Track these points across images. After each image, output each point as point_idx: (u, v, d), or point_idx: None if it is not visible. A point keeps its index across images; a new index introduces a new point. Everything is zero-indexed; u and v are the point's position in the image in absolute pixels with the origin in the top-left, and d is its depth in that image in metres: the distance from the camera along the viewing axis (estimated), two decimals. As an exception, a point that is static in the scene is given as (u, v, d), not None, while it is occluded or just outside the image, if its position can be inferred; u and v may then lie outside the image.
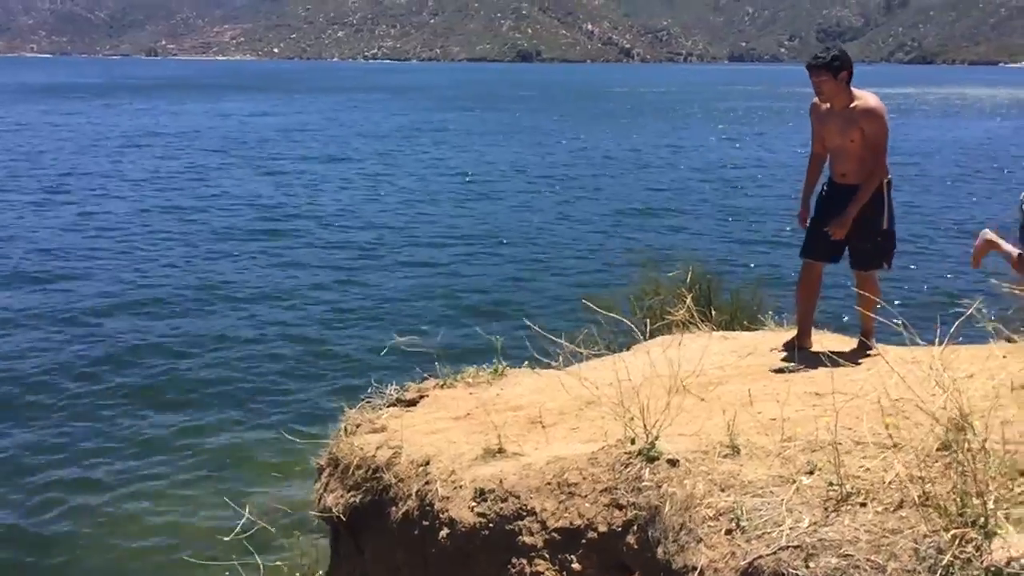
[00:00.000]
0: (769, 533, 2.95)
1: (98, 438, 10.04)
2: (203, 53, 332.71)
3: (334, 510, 4.75)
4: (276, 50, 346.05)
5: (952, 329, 3.41)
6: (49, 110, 61.17)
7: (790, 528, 2.93)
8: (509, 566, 3.82)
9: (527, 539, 3.79)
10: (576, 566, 3.62)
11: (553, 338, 5.95)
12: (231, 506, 5.49)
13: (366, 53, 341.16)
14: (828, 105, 5.33)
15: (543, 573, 3.70)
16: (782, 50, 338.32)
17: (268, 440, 9.53)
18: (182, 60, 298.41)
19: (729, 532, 3.04)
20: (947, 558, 2.59)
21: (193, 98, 79.90)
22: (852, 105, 5.22)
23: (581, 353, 6.02)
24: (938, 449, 3.10)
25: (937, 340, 3.48)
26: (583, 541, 3.63)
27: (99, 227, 21.22)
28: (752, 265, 17.64)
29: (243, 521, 4.80)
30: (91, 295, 15.42)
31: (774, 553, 2.86)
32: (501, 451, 4.41)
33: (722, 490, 3.27)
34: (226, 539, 4.59)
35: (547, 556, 3.72)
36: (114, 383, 11.46)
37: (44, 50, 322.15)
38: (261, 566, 4.81)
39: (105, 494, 8.94)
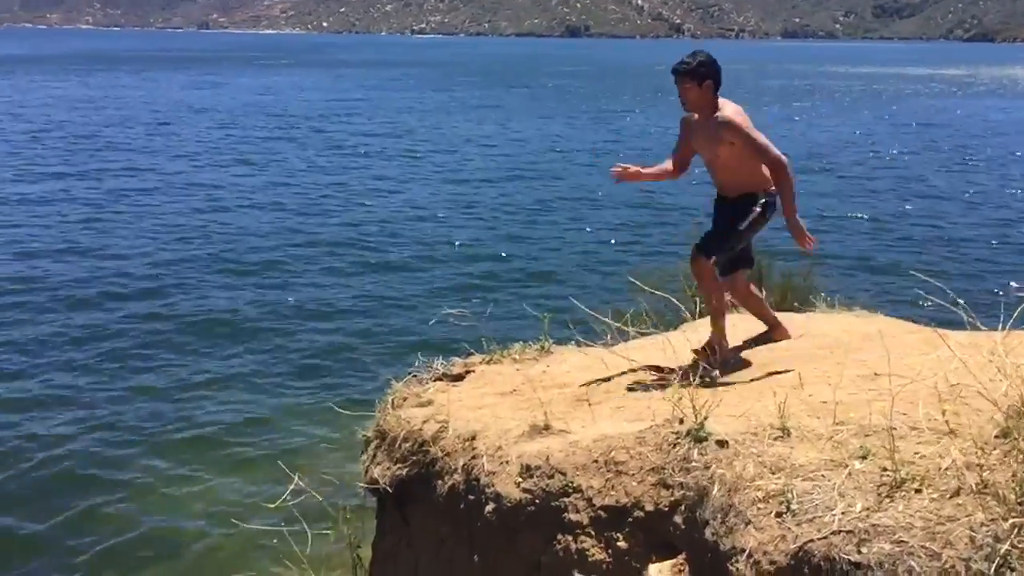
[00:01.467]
0: (820, 517, 2.91)
1: (150, 406, 10.24)
2: (253, 26, 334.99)
3: (380, 482, 4.79)
4: (325, 24, 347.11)
5: (1016, 314, 3.32)
6: (108, 82, 62.10)
7: (842, 513, 2.89)
8: (555, 542, 3.83)
9: (573, 516, 3.79)
10: (622, 544, 3.62)
11: (600, 316, 5.92)
12: (280, 474, 5.57)
13: (414, 27, 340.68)
14: (697, 116, 5.07)
15: (588, 550, 3.70)
16: (837, 26, 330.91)
17: (316, 412, 9.66)
18: (233, 33, 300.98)
19: (779, 515, 3.01)
20: (1005, 547, 2.54)
21: (242, 72, 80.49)
22: (715, 115, 4.95)
23: (628, 332, 5.99)
24: (997, 436, 3.03)
25: (1001, 325, 3.40)
26: (629, 519, 3.62)
27: (143, 201, 21.53)
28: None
29: (292, 488, 4.87)
30: (136, 267, 15.68)
31: (825, 538, 2.83)
32: (547, 428, 4.41)
33: (772, 472, 3.23)
34: (273, 506, 4.66)
35: (593, 533, 3.72)
36: (166, 355, 11.65)
37: (99, 22, 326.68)
38: (309, 534, 4.87)
39: (155, 461, 9.13)
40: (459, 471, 4.40)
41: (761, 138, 4.92)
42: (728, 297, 5.37)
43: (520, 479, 4.06)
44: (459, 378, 5.56)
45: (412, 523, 4.78)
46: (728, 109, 4.96)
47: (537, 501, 3.95)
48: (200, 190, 23.01)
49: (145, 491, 8.60)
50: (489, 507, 4.11)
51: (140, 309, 13.34)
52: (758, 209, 5.00)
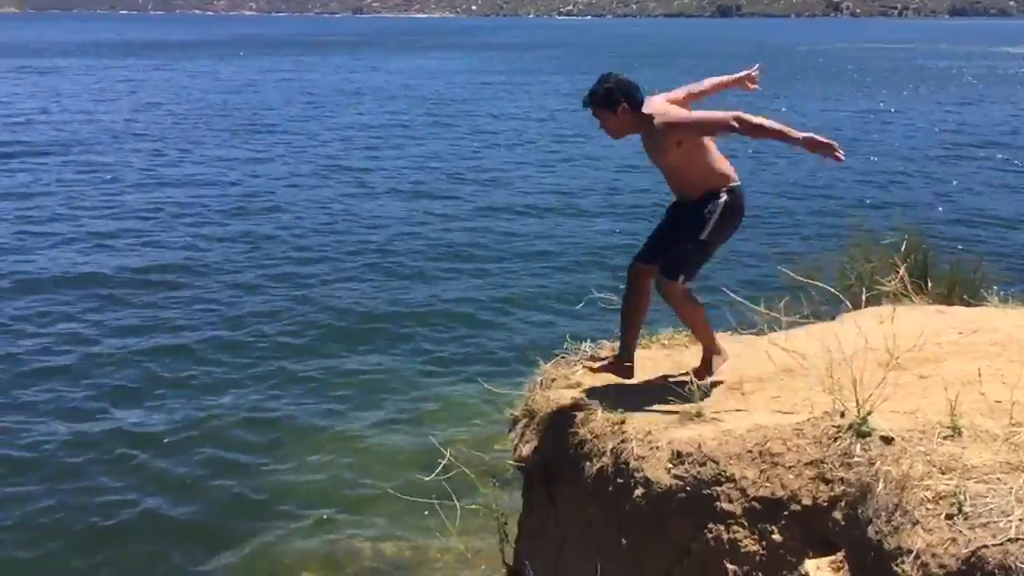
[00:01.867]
0: (996, 522, 2.77)
1: (298, 386, 10.58)
2: (405, 10, 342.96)
3: (528, 460, 4.86)
4: (474, 7, 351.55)
5: None
6: (269, 66, 64.98)
7: (1020, 519, 2.74)
8: (705, 531, 3.79)
9: (725, 505, 3.74)
10: (776, 537, 3.55)
11: (751, 305, 5.80)
12: (432, 450, 5.73)
13: (561, 9, 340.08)
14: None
15: (741, 541, 3.64)
16: (1011, 3, 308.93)
17: (467, 390, 9.84)
18: (386, 17, 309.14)
19: (950, 517, 2.88)
20: None
21: (393, 55, 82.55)
22: (650, 125, 4.57)
23: (781, 320, 5.84)
24: None
25: None
26: (785, 513, 3.54)
27: (296, 183, 22.35)
28: (974, 237, 16.41)
29: (443, 464, 5.01)
30: (286, 251, 16.23)
31: (1001, 544, 2.69)
32: (699, 415, 4.37)
33: (942, 472, 3.09)
34: (428, 479, 4.80)
35: (746, 524, 3.66)
36: (313, 340, 11.99)
37: (262, 8, 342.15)
38: (459, 507, 5.01)
39: (303, 437, 9.45)
40: (607, 454, 4.42)
41: (704, 115, 4.51)
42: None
43: (671, 465, 4.04)
44: (607, 361, 5.56)
45: (559, 502, 4.83)
46: (658, 109, 4.59)
47: (688, 488, 3.92)
48: (349, 174, 23.71)
49: (293, 465, 8.89)
50: (638, 491, 4.10)
51: (288, 293, 13.74)
52: (718, 210, 4.59)
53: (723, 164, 4.71)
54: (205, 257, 15.59)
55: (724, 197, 4.61)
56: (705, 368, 4.87)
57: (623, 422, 4.51)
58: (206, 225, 17.89)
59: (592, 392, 4.93)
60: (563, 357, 5.60)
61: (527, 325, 12.32)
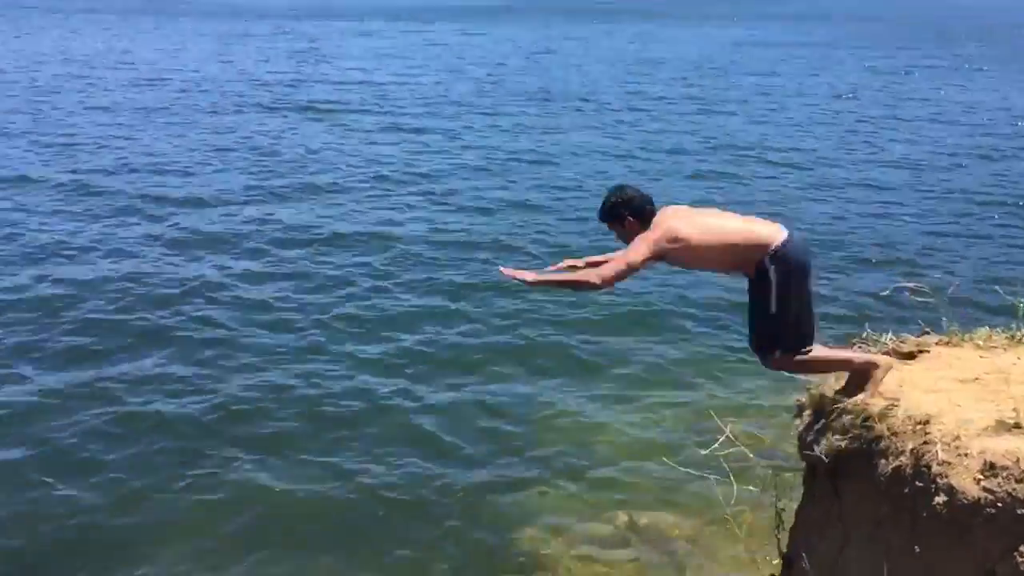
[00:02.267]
0: None
1: (579, 348, 10.73)
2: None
3: (816, 450, 4.66)
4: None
5: None
6: (559, 33, 66.29)
7: None
8: (1016, 554, 3.48)
9: (1044, 530, 3.39)
10: (1104, 573, 3.17)
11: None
12: (707, 424, 5.66)
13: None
14: None
15: (1060, 571, 3.30)
16: None
17: (750, 370, 9.50)
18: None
19: None
20: None
21: (688, 25, 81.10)
22: None
23: None
24: None
25: None
26: (1120, 549, 3.16)
27: (585, 153, 22.50)
28: None
29: (721, 440, 4.93)
30: (571, 213, 16.42)
31: None
32: (1018, 426, 3.99)
33: None
34: (705, 452, 4.75)
35: (1067, 554, 3.30)
36: (596, 306, 11.98)
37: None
38: (735, 486, 4.91)
39: (581, 394, 9.57)
40: (906, 453, 4.15)
41: (632, 250, 4.59)
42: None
43: (981, 476, 3.73)
44: (910, 356, 5.20)
45: (844, 497, 4.60)
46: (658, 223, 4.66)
47: (999, 504, 3.61)
48: (636, 145, 23.33)
49: (561, 432, 8.90)
50: (939, 499, 3.83)
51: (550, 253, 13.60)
52: (773, 278, 4.55)
53: (753, 233, 4.65)
54: (488, 224, 15.93)
55: (771, 267, 4.57)
56: (857, 388, 4.68)
57: (927, 422, 4.22)
58: (493, 190, 18.45)
59: (892, 387, 4.64)
60: (860, 347, 5.30)
61: (827, 308, 11.49)
